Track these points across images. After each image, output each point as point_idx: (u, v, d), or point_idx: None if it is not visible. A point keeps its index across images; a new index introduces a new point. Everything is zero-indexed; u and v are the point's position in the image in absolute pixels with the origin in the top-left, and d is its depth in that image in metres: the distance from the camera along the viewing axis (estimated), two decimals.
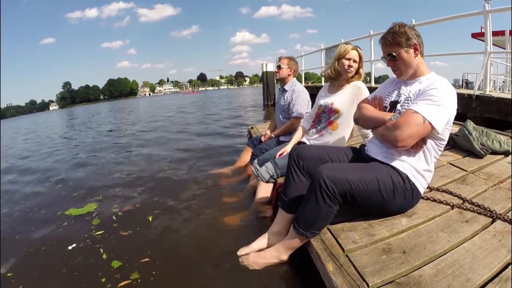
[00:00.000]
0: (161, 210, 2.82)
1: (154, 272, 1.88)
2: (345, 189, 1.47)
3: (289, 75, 3.17)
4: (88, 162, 5.43)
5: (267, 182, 2.49)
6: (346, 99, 2.36)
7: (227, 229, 2.32)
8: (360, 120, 1.83)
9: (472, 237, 1.47)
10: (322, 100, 2.49)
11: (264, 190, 2.52)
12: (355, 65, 2.32)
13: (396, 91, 1.74)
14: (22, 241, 2.48)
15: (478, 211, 1.66)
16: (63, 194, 3.67)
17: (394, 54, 1.63)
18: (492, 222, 1.58)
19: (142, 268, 1.93)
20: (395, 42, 1.61)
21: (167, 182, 3.68)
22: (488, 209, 1.65)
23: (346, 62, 2.29)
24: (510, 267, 1.25)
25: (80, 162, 5.51)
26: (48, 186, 4.14)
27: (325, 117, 2.44)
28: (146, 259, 2.03)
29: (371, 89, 2.23)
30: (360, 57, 2.33)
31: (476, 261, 1.29)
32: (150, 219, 2.66)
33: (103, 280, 1.85)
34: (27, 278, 1.95)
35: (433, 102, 1.48)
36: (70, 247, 2.28)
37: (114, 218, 2.75)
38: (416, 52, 1.62)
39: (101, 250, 2.19)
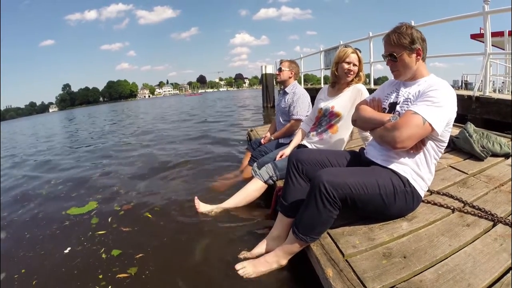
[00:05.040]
0: (160, 209, 2.85)
1: (151, 269, 1.92)
2: (346, 193, 1.45)
3: (290, 77, 3.19)
4: (86, 163, 5.43)
5: (265, 182, 2.49)
6: (347, 102, 2.35)
7: (227, 233, 2.29)
8: (358, 121, 1.82)
9: (473, 241, 1.45)
10: (323, 104, 2.49)
11: (256, 188, 2.56)
12: (355, 69, 2.31)
13: (395, 93, 1.73)
14: (26, 242, 2.49)
15: (479, 214, 1.65)
16: (63, 195, 3.69)
17: (395, 54, 1.61)
18: (493, 225, 1.56)
19: (139, 263, 1.98)
20: (399, 43, 1.59)
21: (167, 183, 3.67)
22: (489, 213, 1.64)
23: (346, 66, 2.29)
24: (511, 271, 1.23)
25: (78, 164, 5.50)
26: (49, 186, 4.15)
27: (326, 121, 2.44)
28: (141, 255, 2.08)
29: (370, 91, 2.22)
30: (360, 60, 2.33)
31: (477, 266, 1.27)
32: (150, 216, 2.71)
33: (100, 277, 1.88)
34: (31, 279, 1.94)
35: (433, 103, 1.47)
36: (70, 247, 2.29)
37: (114, 216, 2.79)
38: (418, 57, 1.61)
39: (102, 249, 2.22)
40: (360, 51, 2.33)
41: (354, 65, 2.30)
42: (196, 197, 2.64)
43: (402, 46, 1.59)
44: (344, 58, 2.29)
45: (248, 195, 2.56)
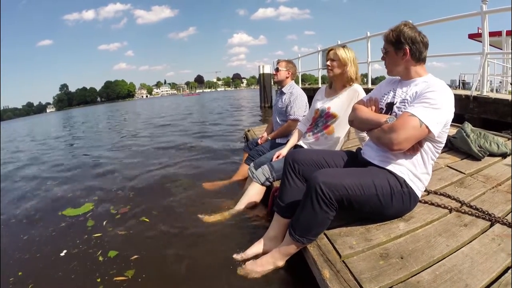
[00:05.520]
0: (157, 213, 2.82)
1: (148, 271, 1.92)
2: (342, 194, 1.45)
3: (287, 77, 3.17)
4: (84, 164, 5.43)
5: (262, 184, 2.49)
6: (343, 103, 2.35)
7: (223, 234, 2.28)
8: (355, 122, 1.82)
9: (470, 241, 1.45)
10: (319, 104, 2.49)
11: (257, 192, 2.54)
12: (334, 64, 2.31)
13: (392, 93, 1.72)
14: (22, 244, 2.48)
15: (477, 214, 1.65)
16: (59, 195, 3.69)
17: (384, 49, 1.70)
18: (491, 225, 1.56)
19: (135, 266, 1.98)
20: (388, 39, 1.66)
21: (164, 187, 3.63)
22: (486, 213, 1.63)
23: (326, 63, 2.33)
24: (509, 271, 1.23)
25: (77, 164, 5.51)
26: (45, 187, 4.16)
27: (322, 122, 2.44)
28: (137, 256, 2.08)
29: (368, 91, 2.21)
30: (341, 56, 2.28)
31: (475, 266, 1.27)
32: (147, 220, 2.68)
33: (99, 280, 1.86)
34: (28, 282, 1.93)
35: (430, 105, 1.46)
36: (66, 250, 2.28)
37: (110, 219, 2.77)
38: (404, 56, 1.61)
39: (98, 251, 2.21)
40: (344, 47, 2.32)
41: (332, 60, 2.31)
42: (199, 216, 2.58)
43: (390, 43, 1.65)
44: (327, 58, 2.36)
45: (249, 199, 2.55)
